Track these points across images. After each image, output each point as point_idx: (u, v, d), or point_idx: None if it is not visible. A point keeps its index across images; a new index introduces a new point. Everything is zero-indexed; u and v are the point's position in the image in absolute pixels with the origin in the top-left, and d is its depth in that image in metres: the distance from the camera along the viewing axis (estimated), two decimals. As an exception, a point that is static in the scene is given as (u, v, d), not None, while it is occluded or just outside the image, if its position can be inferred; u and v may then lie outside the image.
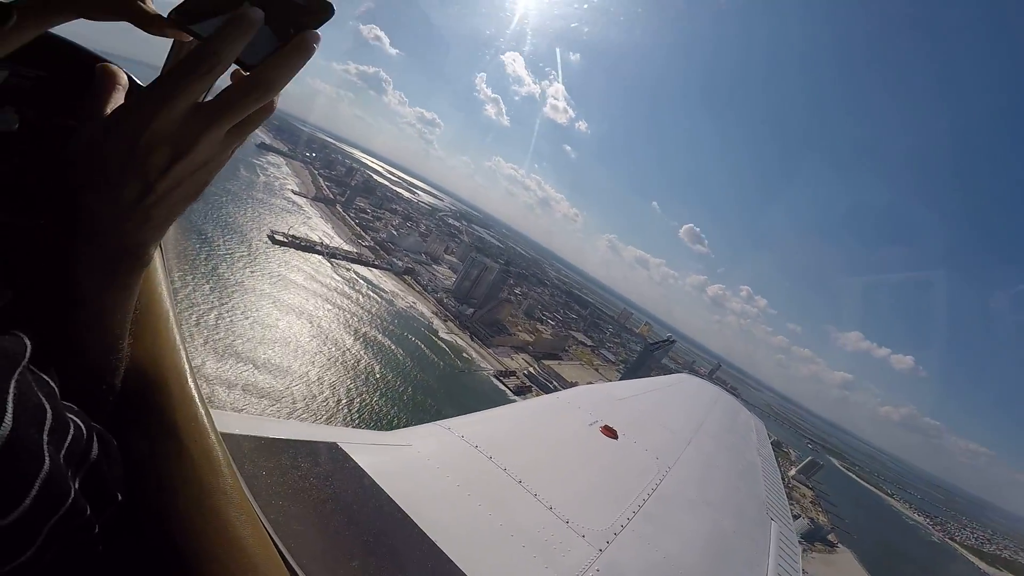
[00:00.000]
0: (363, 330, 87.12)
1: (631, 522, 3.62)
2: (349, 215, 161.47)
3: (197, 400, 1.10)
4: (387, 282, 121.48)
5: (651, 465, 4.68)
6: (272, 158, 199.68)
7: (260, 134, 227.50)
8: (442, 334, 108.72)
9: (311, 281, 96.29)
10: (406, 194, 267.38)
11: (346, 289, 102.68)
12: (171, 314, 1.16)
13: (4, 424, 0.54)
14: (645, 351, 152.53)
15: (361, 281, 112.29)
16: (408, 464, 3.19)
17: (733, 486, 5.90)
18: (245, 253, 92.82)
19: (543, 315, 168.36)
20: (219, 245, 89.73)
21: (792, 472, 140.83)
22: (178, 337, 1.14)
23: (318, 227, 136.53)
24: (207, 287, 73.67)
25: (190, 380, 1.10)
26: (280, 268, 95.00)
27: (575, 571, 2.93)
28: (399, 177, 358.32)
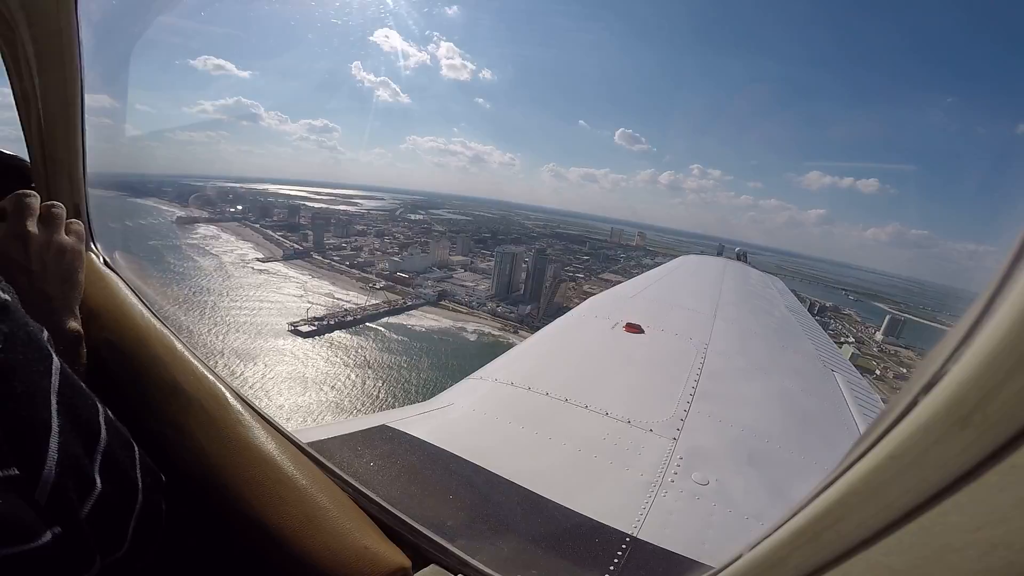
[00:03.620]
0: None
1: (692, 405, 3.55)
2: (333, 260, 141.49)
3: (190, 357, 1.36)
4: (432, 318, 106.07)
5: (687, 347, 4.57)
6: (203, 229, 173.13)
7: (170, 208, 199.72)
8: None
9: (385, 369, 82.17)
10: (350, 208, 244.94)
11: (411, 346, 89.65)
12: (147, 314, 1.46)
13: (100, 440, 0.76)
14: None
15: (416, 331, 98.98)
16: (457, 421, 3.18)
17: (777, 346, 5.59)
18: (292, 360, 75.94)
19: (569, 273, 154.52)
20: (262, 365, 72.21)
21: (879, 336, 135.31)
22: (159, 324, 1.45)
23: (318, 289, 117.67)
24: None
25: (179, 346, 1.39)
26: (334, 368, 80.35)
27: (657, 466, 2.88)
28: (328, 194, 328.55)
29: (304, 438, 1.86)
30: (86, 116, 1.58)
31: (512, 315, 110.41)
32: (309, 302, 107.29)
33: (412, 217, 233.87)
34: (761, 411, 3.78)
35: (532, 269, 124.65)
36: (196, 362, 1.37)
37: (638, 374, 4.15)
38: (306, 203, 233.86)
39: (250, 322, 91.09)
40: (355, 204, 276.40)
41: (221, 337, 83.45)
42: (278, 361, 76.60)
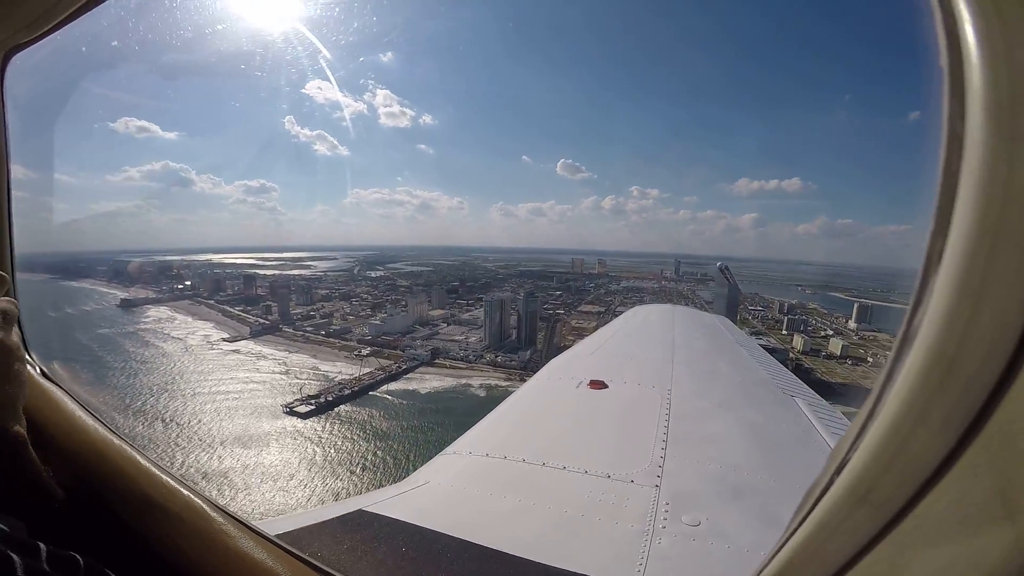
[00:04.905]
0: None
1: (667, 450, 3.60)
2: (306, 332, 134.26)
3: (157, 471, 1.32)
4: (433, 379, 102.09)
5: (651, 395, 4.65)
6: (153, 311, 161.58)
7: (109, 290, 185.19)
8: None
9: (400, 442, 76.78)
10: (305, 272, 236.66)
11: (425, 409, 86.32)
12: (100, 428, 1.41)
13: None
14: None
15: (422, 394, 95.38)
16: (437, 499, 3.20)
17: (736, 382, 5.80)
18: (305, 442, 70.08)
19: (549, 311, 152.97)
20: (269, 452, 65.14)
21: (852, 325, 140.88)
22: (115, 438, 1.39)
23: (301, 364, 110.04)
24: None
25: (143, 460, 1.33)
26: (350, 445, 75.43)
27: (646, 514, 2.91)
28: (278, 259, 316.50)
29: (281, 527, 1.91)
30: (12, 194, 1.46)
31: (513, 363, 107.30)
32: (297, 378, 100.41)
33: (372, 275, 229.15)
34: (734, 445, 3.86)
35: (524, 313, 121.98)
36: (165, 475, 1.33)
37: (609, 428, 4.22)
38: (256, 271, 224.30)
39: (241, 407, 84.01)
40: (308, 267, 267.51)
41: (217, 425, 75.96)
42: (290, 445, 70.20)
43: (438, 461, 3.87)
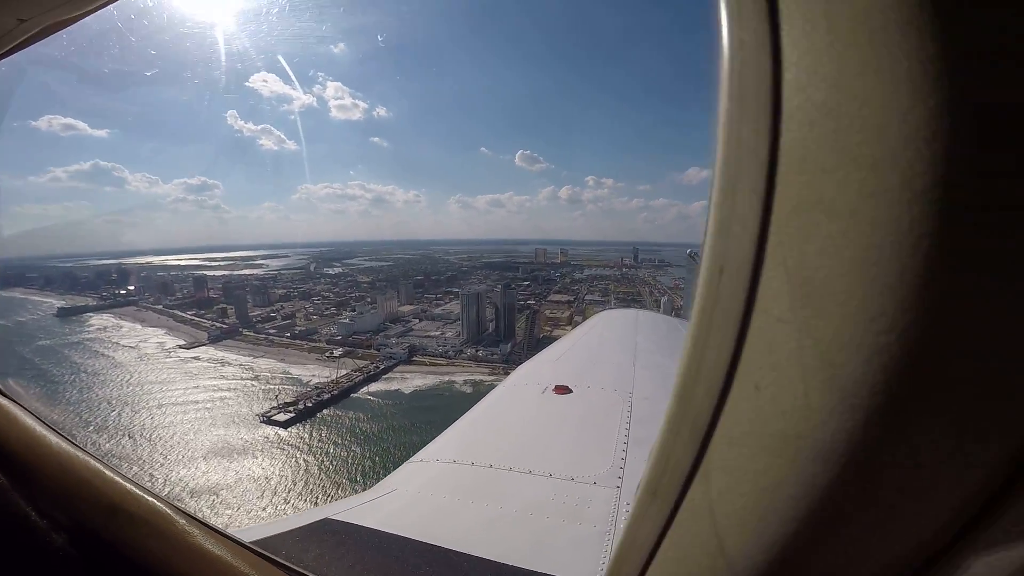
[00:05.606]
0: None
1: (628, 452, 3.71)
2: (269, 334, 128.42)
3: (122, 480, 1.31)
4: (415, 377, 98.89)
5: (614, 399, 4.78)
6: (96, 319, 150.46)
7: (43, 298, 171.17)
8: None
9: (396, 445, 74.07)
10: (257, 272, 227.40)
11: (412, 408, 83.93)
12: (60, 442, 1.40)
13: None
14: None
15: (405, 393, 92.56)
16: (405, 505, 3.26)
17: None
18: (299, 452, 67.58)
19: (520, 301, 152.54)
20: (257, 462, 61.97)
21: None
22: (76, 451, 1.38)
23: (268, 369, 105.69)
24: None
25: (108, 471, 1.33)
26: (343, 452, 72.62)
27: (608, 515, 3.02)
28: (225, 259, 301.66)
29: (247, 536, 1.93)
30: None
31: (495, 357, 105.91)
32: (269, 384, 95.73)
33: (330, 272, 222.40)
34: None
35: (502, 305, 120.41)
36: (129, 483, 1.34)
37: (573, 432, 4.32)
38: (204, 272, 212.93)
39: (215, 417, 79.46)
40: (260, 266, 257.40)
41: (193, 438, 71.24)
42: (278, 456, 66.41)
43: (405, 469, 3.92)
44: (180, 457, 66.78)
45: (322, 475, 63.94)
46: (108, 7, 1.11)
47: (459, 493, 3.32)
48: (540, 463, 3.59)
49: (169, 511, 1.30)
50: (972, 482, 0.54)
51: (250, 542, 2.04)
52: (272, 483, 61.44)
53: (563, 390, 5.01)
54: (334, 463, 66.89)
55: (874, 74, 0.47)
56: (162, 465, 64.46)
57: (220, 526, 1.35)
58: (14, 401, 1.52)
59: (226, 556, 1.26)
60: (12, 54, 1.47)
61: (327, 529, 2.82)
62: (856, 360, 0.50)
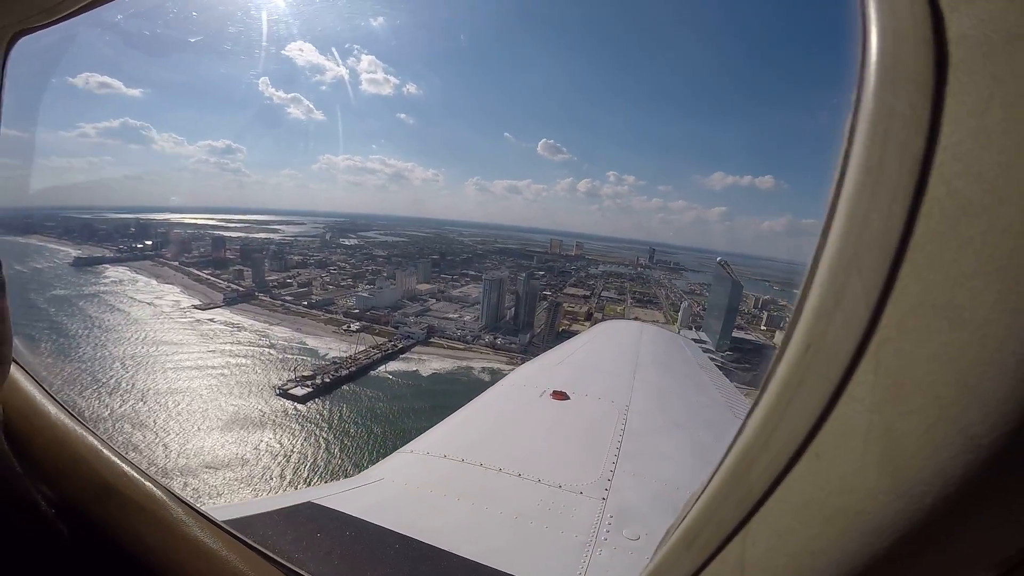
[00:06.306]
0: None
1: (617, 465, 3.73)
2: (285, 301, 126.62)
3: (119, 460, 1.31)
4: (432, 359, 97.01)
5: (609, 410, 4.78)
6: (112, 272, 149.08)
7: (60, 247, 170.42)
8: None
9: (419, 429, 70.86)
10: (273, 236, 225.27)
11: (434, 391, 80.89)
12: (63, 415, 1.38)
13: None
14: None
15: (424, 376, 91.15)
16: (391, 496, 3.26)
17: (691, 402, 5.99)
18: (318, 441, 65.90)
19: (540, 292, 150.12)
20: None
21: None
22: (76, 426, 1.36)
23: (285, 339, 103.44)
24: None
25: (106, 450, 1.32)
26: (364, 432, 69.75)
27: (590, 526, 3.04)
28: (241, 221, 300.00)
29: (231, 513, 1.99)
30: None
31: (514, 346, 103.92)
32: (287, 355, 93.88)
33: (345, 243, 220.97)
34: (681, 465, 4.00)
35: (523, 294, 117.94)
36: (125, 464, 1.34)
37: (566, 439, 4.31)
38: (220, 233, 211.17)
39: (232, 385, 77.79)
40: (276, 231, 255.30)
41: (212, 405, 69.91)
42: (298, 431, 64.67)
43: (394, 459, 3.91)
44: (196, 428, 65.64)
45: (343, 456, 62.43)
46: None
47: (446, 489, 3.31)
48: (530, 467, 3.58)
49: (164, 496, 1.30)
50: None
51: (235, 520, 2.16)
52: (292, 460, 60.02)
53: (561, 396, 5.00)
54: (354, 443, 65.28)
55: None
56: (178, 434, 63.11)
57: (212, 513, 1.34)
58: (18, 365, 1.48)
59: (219, 549, 1.25)
60: (60, 23, 1.47)
61: (309, 513, 2.81)
62: (939, 456, 0.50)
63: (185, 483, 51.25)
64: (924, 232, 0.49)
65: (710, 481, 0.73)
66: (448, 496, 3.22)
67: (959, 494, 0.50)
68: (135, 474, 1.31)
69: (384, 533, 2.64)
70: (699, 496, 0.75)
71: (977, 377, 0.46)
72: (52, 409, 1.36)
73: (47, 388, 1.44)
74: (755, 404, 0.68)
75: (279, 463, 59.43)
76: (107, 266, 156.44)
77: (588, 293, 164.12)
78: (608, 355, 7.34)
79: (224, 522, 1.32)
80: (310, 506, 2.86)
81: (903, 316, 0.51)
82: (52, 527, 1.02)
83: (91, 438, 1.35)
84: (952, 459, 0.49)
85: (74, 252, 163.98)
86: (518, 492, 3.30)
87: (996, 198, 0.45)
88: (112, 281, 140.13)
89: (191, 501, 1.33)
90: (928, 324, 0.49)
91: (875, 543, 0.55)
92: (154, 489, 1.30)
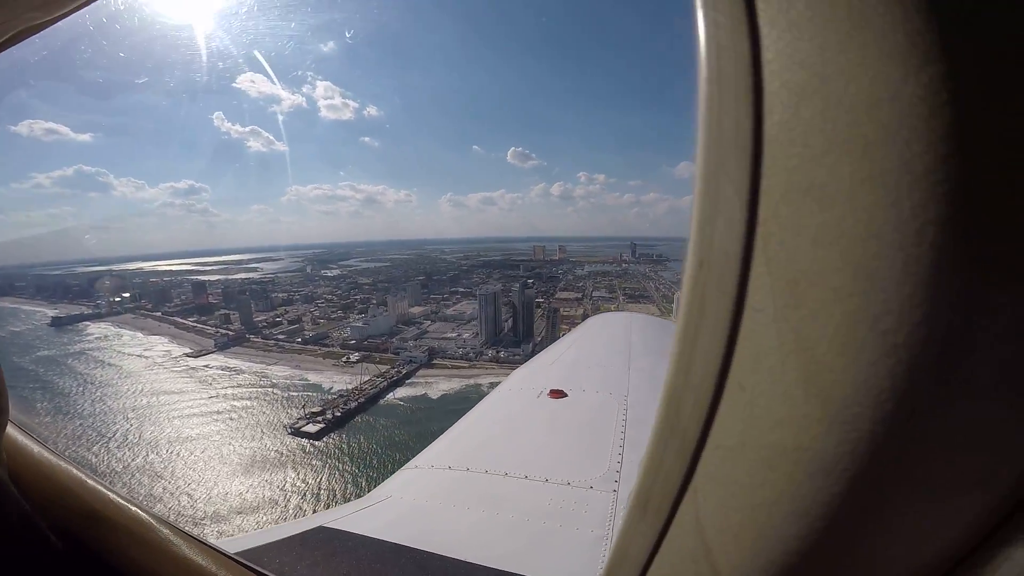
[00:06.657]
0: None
1: (624, 455, 3.70)
2: (278, 340, 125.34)
3: (104, 489, 1.32)
4: (439, 382, 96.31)
5: (609, 402, 4.78)
6: (94, 329, 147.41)
7: (34, 307, 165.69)
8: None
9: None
10: (252, 275, 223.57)
11: (447, 411, 77.68)
12: (42, 451, 1.38)
13: None
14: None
15: (433, 398, 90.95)
16: (401, 513, 3.23)
17: None
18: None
19: (536, 300, 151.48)
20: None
21: None
22: (57, 460, 1.36)
23: (285, 376, 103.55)
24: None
25: (89, 480, 1.33)
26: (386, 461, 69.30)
27: (605, 519, 3.01)
28: (218, 263, 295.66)
29: (240, 545, 1.95)
30: None
31: (517, 358, 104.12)
32: (292, 392, 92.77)
33: (328, 274, 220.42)
34: None
35: (520, 305, 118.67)
36: (111, 492, 1.36)
37: (569, 436, 4.26)
38: (198, 277, 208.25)
39: (243, 427, 76.33)
40: (254, 269, 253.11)
41: (223, 451, 68.41)
42: (322, 468, 63.82)
43: (400, 476, 3.90)
44: (215, 474, 64.81)
45: (371, 488, 61.73)
46: (83, 9, 1.09)
47: (454, 499, 3.28)
48: (536, 468, 3.55)
49: (152, 520, 1.32)
50: (981, 505, 0.50)
51: (246, 549, 2.14)
52: (322, 497, 59.33)
53: (558, 394, 4.99)
54: (379, 473, 64.76)
55: (859, 49, 0.44)
56: (199, 483, 61.97)
57: (204, 537, 1.37)
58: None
59: (210, 566, 1.27)
60: None
61: (321, 537, 2.80)
62: (859, 364, 0.46)
63: (220, 531, 50.28)
64: (771, 124, 0.49)
65: (653, 433, 0.69)
66: (457, 506, 3.21)
67: (898, 409, 0.46)
68: (121, 500, 1.34)
69: (400, 549, 2.65)
70: (646, 452, 0.72)
71: (861, 254, 0.45)
72: (34, 447, 1.39)
73: (25, 429, 1.46)
74: (674, 339, 0.65)
75: (309, 502, 58.77)
76: (88, 323, 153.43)
77: (580, 295, 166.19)
78: (600, 348, 7.42)
79: (237, 553, 1.35)
80: (321, 530, 2.88)
81: (776, 206, 0.50)
82: (53, 548, 1.07)
83: (75, 470, 1.37)
84: (873, 365, 0.46)
85: (50, 312, 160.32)
86: (527, 494, 3.28)
87: (822, 79, 0.46)
88: (96, 338, 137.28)
89: (175, 523, 1.36)
90: (799, 208, 0.48)
91: (828, 484, 0.51)
92: (140, 513, 1.33)
